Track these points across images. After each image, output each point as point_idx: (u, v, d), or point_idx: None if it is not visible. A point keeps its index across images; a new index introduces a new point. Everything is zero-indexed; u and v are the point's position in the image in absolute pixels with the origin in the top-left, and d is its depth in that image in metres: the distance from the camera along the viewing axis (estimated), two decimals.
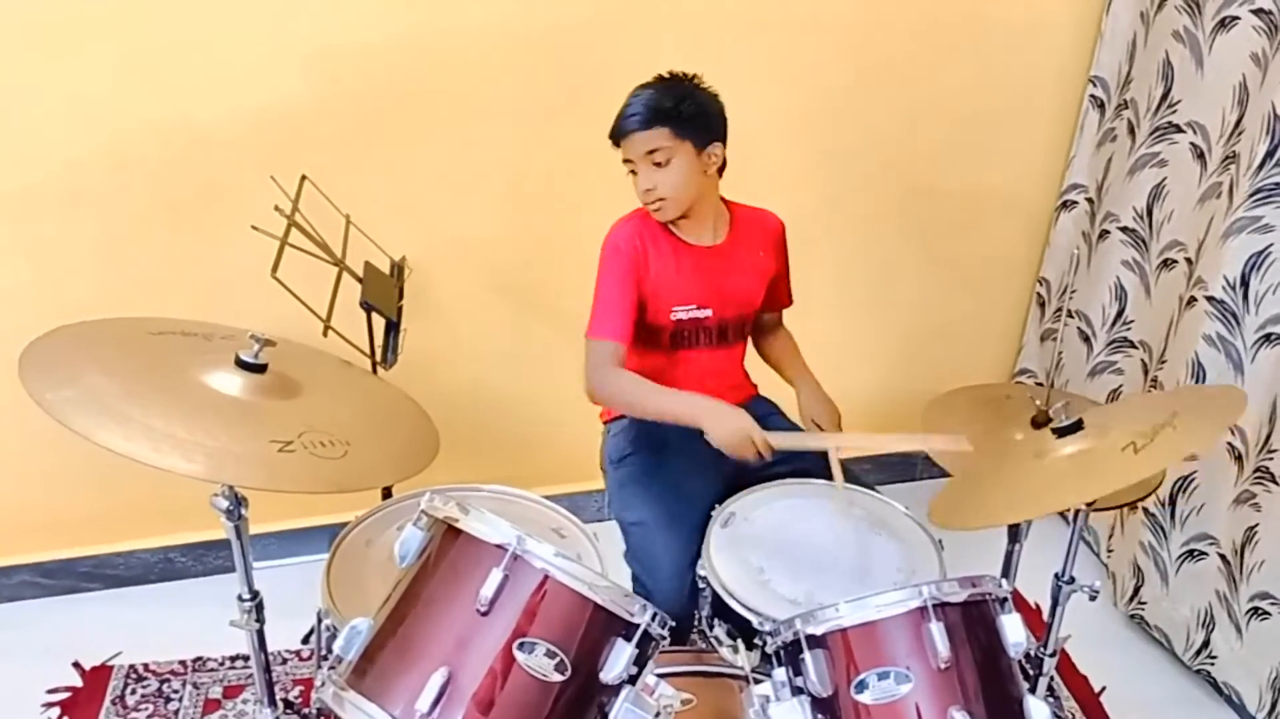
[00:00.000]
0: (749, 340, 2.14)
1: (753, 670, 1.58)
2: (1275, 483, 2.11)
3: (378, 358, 2.13)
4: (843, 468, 1.95)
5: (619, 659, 1.32)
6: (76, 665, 2.36)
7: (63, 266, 2.25)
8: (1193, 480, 2.29)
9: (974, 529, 1.66)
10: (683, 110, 1.84)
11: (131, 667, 2.36)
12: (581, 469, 2.33)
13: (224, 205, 2.22)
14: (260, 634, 1.78)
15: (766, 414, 2.11)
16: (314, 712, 1.99)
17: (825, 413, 2.07)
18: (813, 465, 2.01)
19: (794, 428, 2.10)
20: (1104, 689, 2.36)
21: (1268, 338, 2.10)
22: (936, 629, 1.33)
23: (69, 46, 2.08)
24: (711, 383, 2.04)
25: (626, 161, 1.89)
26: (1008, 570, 1.92)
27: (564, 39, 2.29)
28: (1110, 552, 2.63)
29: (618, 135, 1.86)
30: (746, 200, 2.05)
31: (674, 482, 1.98)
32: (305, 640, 2.34)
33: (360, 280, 2.11)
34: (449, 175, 2.36)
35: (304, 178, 2.11)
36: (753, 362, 2.18)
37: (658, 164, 1.86)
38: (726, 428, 1.79)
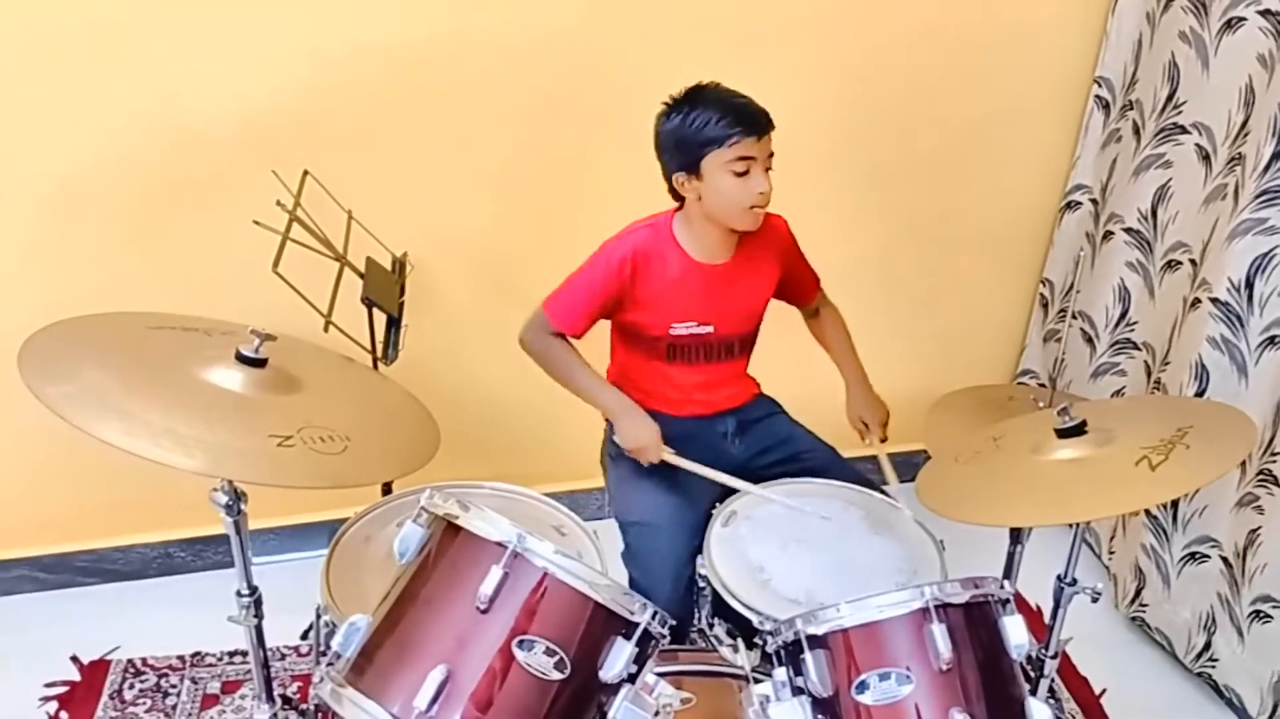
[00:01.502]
0: (753, 349, 2.12)
1: (753, 670, 1.58)
2: (1278, 486, 2.10)
3: (379, 354, 2.13)
4: (892, 465, 1.95)
5: (619, 658, 1.32)
6: (74, 660, 2.36)
7: (63, 261, 2.25)
8: None
9: (976, 524, 1.65)
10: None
11: (130, 661, 2.36)
12: (582, 467, 2.32)
13: (226, 200, 2.22)
14: (259, 630, 1.78)
15: (767, 414, 2.12)
16: (312, 708, 1.98)
17: (872, 413, 2.07)
18: (821, 465, 2.01)
19: (797, 427, 2.10)
20: (1104, 691, 2.35)
21: (1272, 340, 2.09)
22: (938, 630, 1.32)
23: (69, 43, 2.07)
24: (710, 392, 2.04)
25: (742, 160, 1.80)
26: (1010, 572, 1.92)
27: (568, 38, 2.28)
28: (1112, 553, 2.62)
29: (754, 131, 1.79)
30: None
31: (674, 479, 1.97)
32: (304, 637, 2.34)
33: (362, 276, 2.10)
34: (451, 172, 2.36)
35: (306, 173, 2.11)
36: (755, 361, 2.17)
37: (768, 169, 1.84)
38: (632, 435, 1.93)
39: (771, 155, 1.84)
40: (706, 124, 1.80)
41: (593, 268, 1.94)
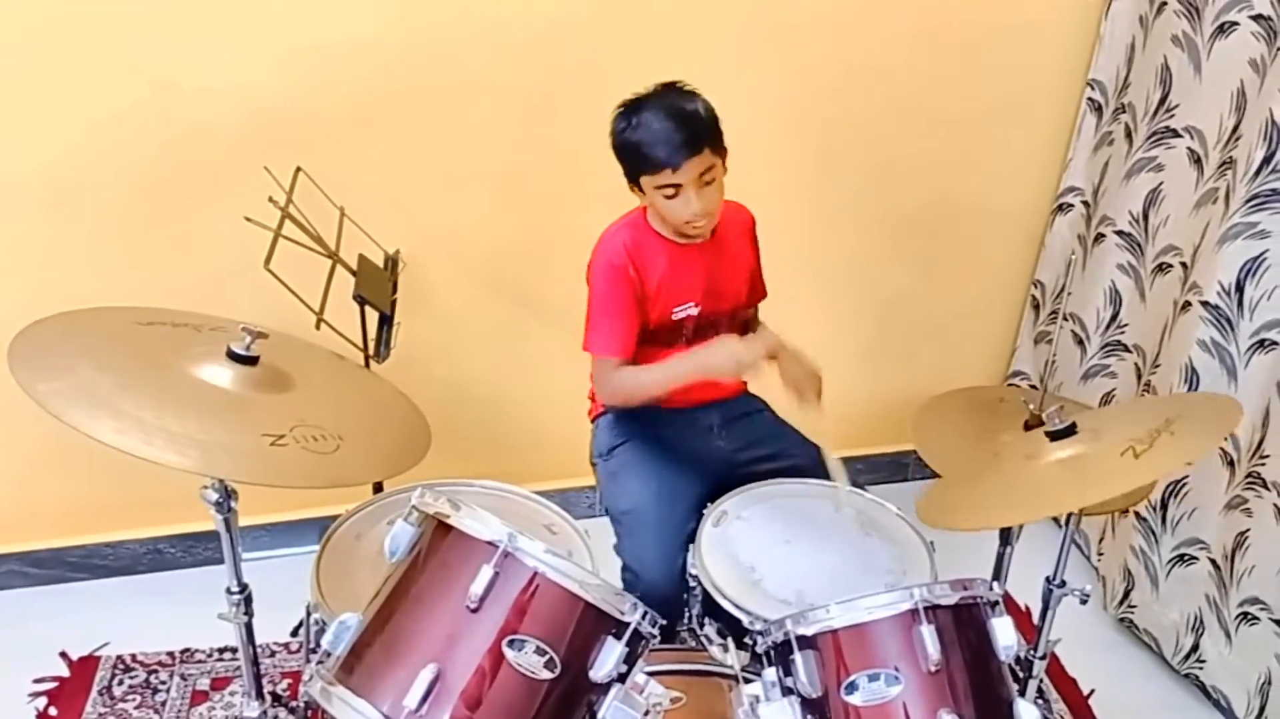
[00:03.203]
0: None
1: (743, 670, 1.58)
2: (1266, 489, 2.11)
3: (371, 352, 2.13)
4: (843, 467, 1.95)
5: (609, 657, 1.32)
6: (64, 655, 2.35)
7: (52, 257, 2.24)
8: (1184, 485, 2.29)
9: (966, 530, 1.66)
10: (714, 125, 1.83)
11: (119, 657, 2.36)
12: (573, 465, 2.32)
13: (217, 196, 2.21)
14: (249, 627, 1.78)
15: (754, 410, 2.12)
16: (302, 706, 1.98)
17: (807, 376, 1.94)
18: (807, 464, 2.01)
19: (782, 425, 2.10)
20: (1093, 692, 2.36)
21: (1261, 344, 2.10)
22: (927, 632, 1.33)
23: (60, 38, 2.06)
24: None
25: (668, 187, 1.80)
26: (999, 573, 1.92)
27: (561, 36, 2.28)
28: (1101, 555, 2.63)
29: (670, 163, 1.76)
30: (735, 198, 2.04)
31: (663, 472, 1.98)
32: (294, 634, 2.33)
33: (354, 273, 2.10)
34: (444, 169, 2.35)
35: (298, 170, 2.11)
36: None
37: (707, 183, 1.82)
38: (723, 359, 1.84)
39: (706, 171, 1.80)
40: (634, 150, 1.80)
41: (604, 285, 1.92)
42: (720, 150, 1.84)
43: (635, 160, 1.82)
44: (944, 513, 1.74)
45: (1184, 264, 2.32)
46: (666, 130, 1.77)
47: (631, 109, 1.82)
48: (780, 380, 1.95)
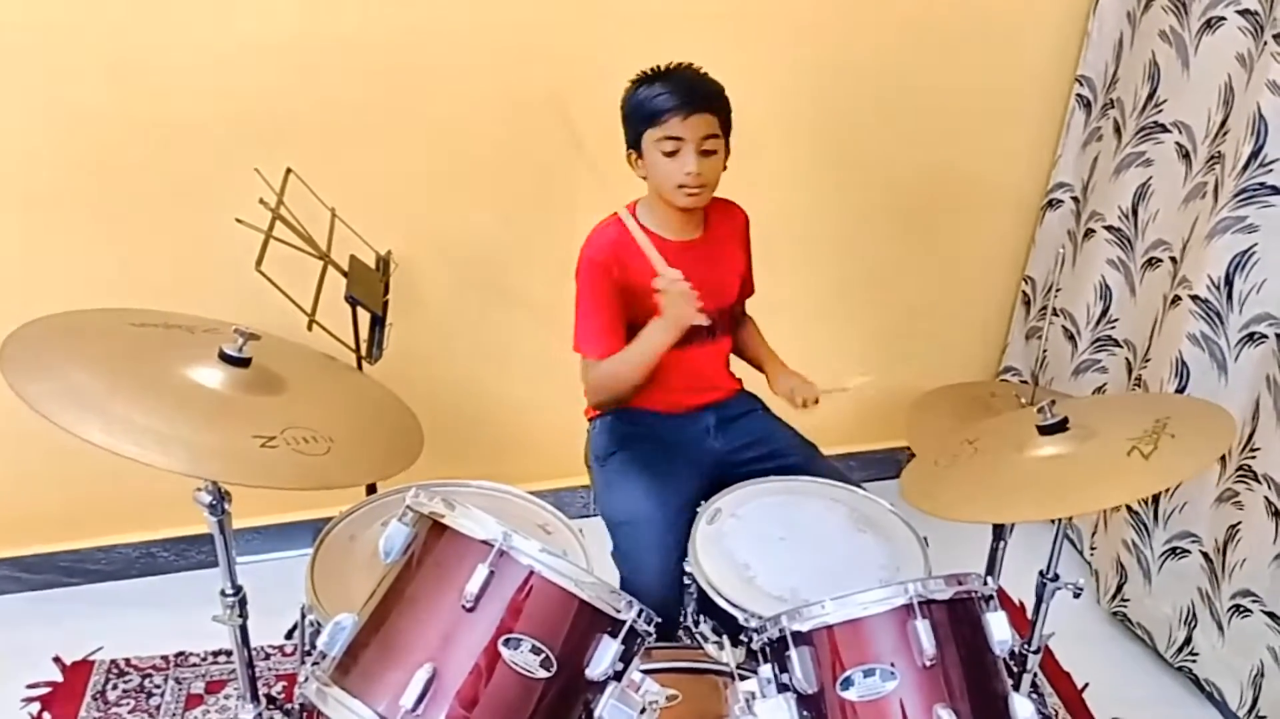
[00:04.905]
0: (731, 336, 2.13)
1: (738, 667, 1.58)
2: (1257, 481, 2.12)
3: (363, 353, 2.12)
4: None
5: (605, 656, 1.32)
6: (57, 660, 2.35)
7: (44, 259, 2.24)
8: None
9: (976, 522, 1.66)
10: (725, 100, 1.87)
11: (113, 662, 2.35)
12: (568, 465, 2.32)
13: (209, 198, 2.21)
14: (243, 629, 1.77)
15: (748, 411, 2.13)
16: (297, 708, 1.98)
17: (800, 383, 2.03)
18: (802, 463, 2.02)
19: (777, 424, 2.11)
20: (1086, 686, 2.37)
21: (1251, 337, 2.11)
22: (922, 626, 1.33)
23: (50, 37, 2.06)
24: (699, 378, 2.05)
25: (669, 140, 1.83)
26: (993, 568, 1.93)
27: (553, 35, 2.28)
28: (1093, 549, 2.64)
29: (677, 111, 1.80)
30: (727, 195, 2.04)
31: (659, 477, 1.97)
32: (289, 636, 2.31)
33: (345, 275, 2.10)
34: (436, 170, 2.35)
35: (289, 171, 2.10)
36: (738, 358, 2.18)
37: (706, 152, 1.84)
38: (680, 310, 1.81)
39: (713, 137, 1.84)
40: (644, 103, 1.84)
41: (586, 283, 1.93)
42: (725, 124, 1.87)
43: (641, 116, 1.85)
44: (940, 503, 1.73)
45: (1173, 259, 2.33)
46: (678, 85, 1.82)
47: (645, 76, 1.87)
48: (777, 389, 2.03)
